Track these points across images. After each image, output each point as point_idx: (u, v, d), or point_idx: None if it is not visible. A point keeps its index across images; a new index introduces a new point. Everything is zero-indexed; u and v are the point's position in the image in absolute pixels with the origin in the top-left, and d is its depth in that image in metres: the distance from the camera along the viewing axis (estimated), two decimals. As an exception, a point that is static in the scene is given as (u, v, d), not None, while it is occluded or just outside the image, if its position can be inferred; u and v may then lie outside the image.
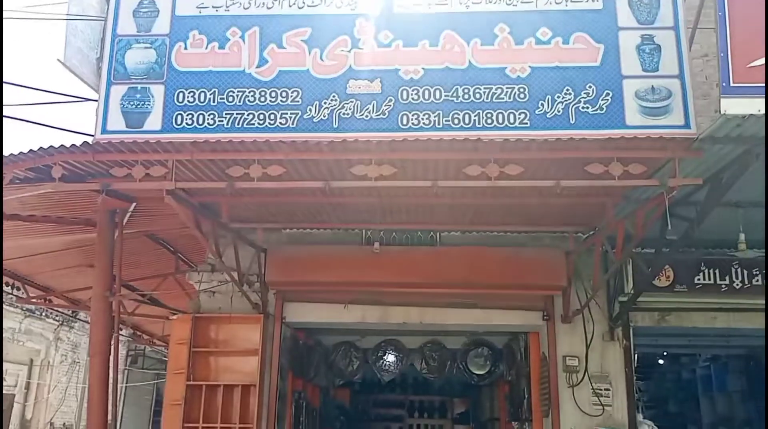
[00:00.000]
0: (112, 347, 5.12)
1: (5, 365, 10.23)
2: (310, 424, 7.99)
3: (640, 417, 6.30)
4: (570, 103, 4.89)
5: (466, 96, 4.97)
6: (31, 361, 13.35)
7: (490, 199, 5.41)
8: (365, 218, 6.27)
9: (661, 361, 10.78)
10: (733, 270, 6.20)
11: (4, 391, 11.97)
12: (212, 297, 6.72)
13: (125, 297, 5.46)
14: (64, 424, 13.47)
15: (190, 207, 5.10)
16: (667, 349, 8.97)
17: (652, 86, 4.84)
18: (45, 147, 4.37)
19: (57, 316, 13.97)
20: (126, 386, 17.20)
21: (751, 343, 8.62)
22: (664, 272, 6.16)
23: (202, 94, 5.09)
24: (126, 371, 17.36)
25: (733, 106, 3.72)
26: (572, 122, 4.85)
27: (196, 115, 5.05)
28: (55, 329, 13.93)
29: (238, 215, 6.00)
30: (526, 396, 7.28)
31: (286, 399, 6.89)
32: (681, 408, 10.88)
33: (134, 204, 5.40)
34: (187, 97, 5.09)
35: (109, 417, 4.88)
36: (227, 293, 6.67)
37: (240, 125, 5.01)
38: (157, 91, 5.13)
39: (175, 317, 6.58)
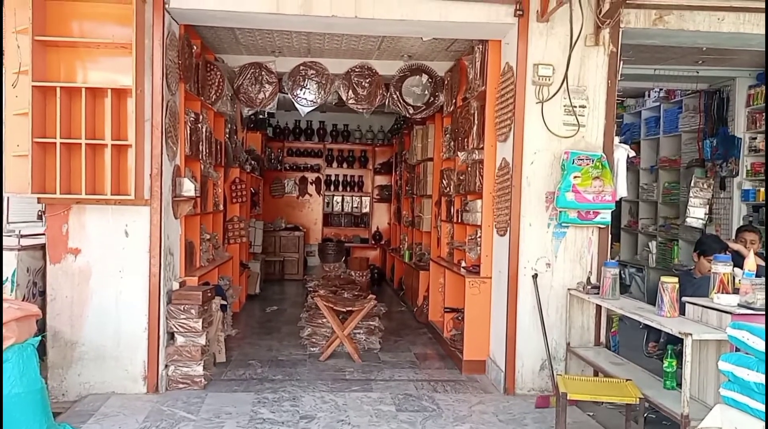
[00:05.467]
0: None
1: None
2: (211, 155, 6.55)
3: (616, 140, 5.23)
4: None
5: None
6: None
7: None
8: None
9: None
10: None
11: None
12: (58, -33, 4.72)
13: None
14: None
15: None
16: (628, 80, 7.85)
17: None
18: None
19: None
20: None
21: (721, 74, 7.69)
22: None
23: None
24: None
25: None
26: None
27: None
28: None
29: None
30: (476, 122, 6.06)
31: (178, 116, 5.31)
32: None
33: None
34: None
35: None
36: (80, -39, 4.69)
37: None
38: None
39: (2, -8, 4.58)
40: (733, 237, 5.63)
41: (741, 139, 7.71)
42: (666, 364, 3.99)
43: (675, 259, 8.77)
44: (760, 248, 5.42)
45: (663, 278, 4.00)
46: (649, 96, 9.65)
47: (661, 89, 9.16)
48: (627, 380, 3.97)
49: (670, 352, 3.98)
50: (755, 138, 7.64)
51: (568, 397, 3.70)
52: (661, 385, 4.05)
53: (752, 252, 4.12)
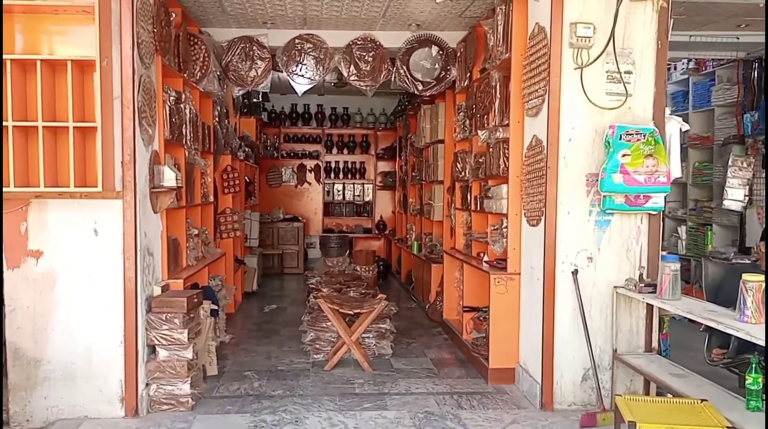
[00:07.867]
0: None
1: None
2: (198, 140, 5.79)
3: (668, 111, 4.48)
4: None
5: None
6: None
7: None
8: None
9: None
10: None
11: None
12: None
13: None
14: None
15: None
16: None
17: None
18: None
19: None
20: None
21: (762, 40, 6.91)
22: None
23: None
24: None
25: None
26: None
27: None
28: None
29: None
30: (499, 96, 5.31)
31: (154, 94, 4.55)
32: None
33: None
34: None
35: None
36: None
37: None
38: None
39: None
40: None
41: (786, 111, 6.96)
42: (750, 380, 3.27)
43: (708, 245, 8.05)
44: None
45: (745, 276, 3.27)
46: (675, 68, 8.88)
47: (690, 60, 8.40)
48: (702, 401, 3.25)
49: (754, 366, 3.26)
50: (802, 110, 6.89)
51: (637, 428, 2.98)
52: (742, 405, 3.33)
53: None
